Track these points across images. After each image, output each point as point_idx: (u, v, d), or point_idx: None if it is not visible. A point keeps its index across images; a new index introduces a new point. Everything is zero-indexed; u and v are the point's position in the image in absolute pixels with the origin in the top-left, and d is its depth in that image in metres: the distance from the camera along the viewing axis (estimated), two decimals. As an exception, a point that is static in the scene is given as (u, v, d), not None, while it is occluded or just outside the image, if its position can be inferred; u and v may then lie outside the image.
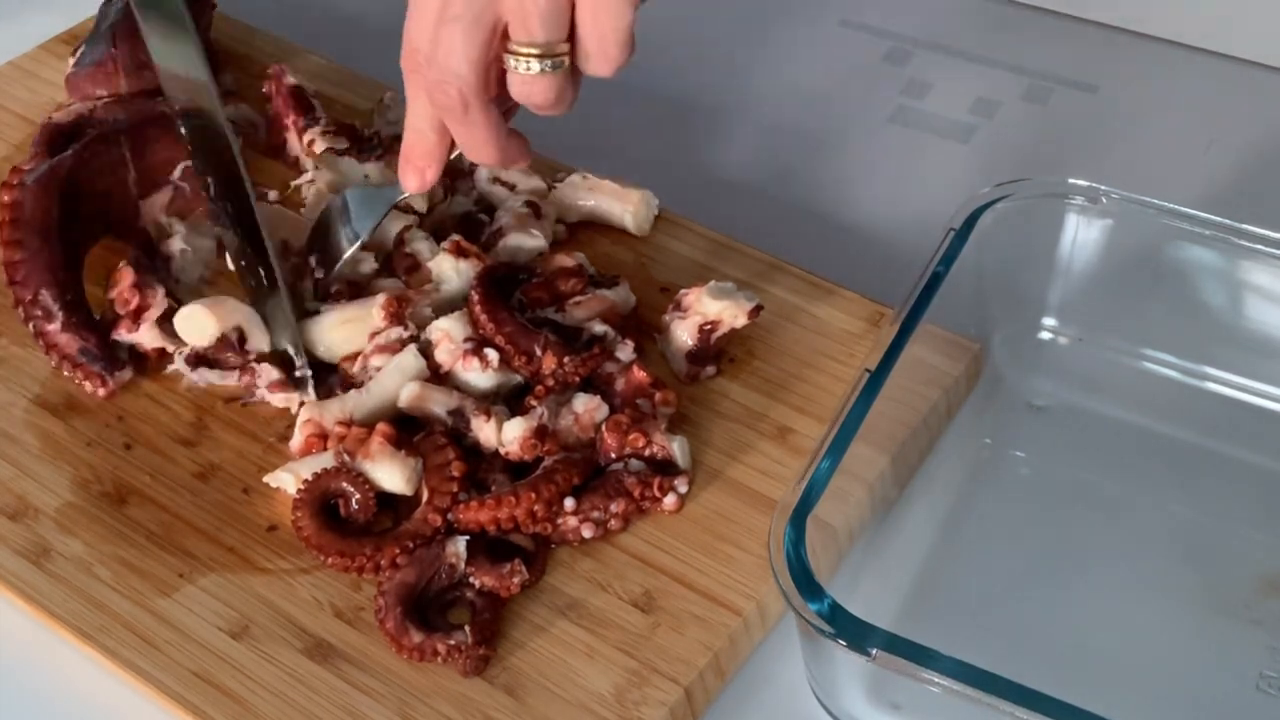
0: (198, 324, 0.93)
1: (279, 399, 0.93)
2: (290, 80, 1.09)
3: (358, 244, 0.94)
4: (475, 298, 0.92)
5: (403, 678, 0.81)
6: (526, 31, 0.77)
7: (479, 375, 0.91)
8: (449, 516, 0.85)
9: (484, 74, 0.79)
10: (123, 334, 0.95)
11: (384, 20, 1.28)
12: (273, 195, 1.04)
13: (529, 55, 0.78)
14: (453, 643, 0.80)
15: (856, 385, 0.81)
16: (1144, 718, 0.77)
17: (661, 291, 0.98)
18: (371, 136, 1.07)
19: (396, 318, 0.93)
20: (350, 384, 0.93)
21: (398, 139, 1.00)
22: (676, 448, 0.88)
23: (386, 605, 0.82)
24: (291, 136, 1.08)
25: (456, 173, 1.04)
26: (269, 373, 0.93)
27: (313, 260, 0.97)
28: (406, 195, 0.92)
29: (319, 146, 1.05)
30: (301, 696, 0.80)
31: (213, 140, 0.95)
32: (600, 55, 0.78)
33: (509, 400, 0.91)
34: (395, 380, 0.91)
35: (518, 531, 0.85)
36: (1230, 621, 0.82)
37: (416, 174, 0.87)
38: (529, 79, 0.79)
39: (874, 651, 0.71)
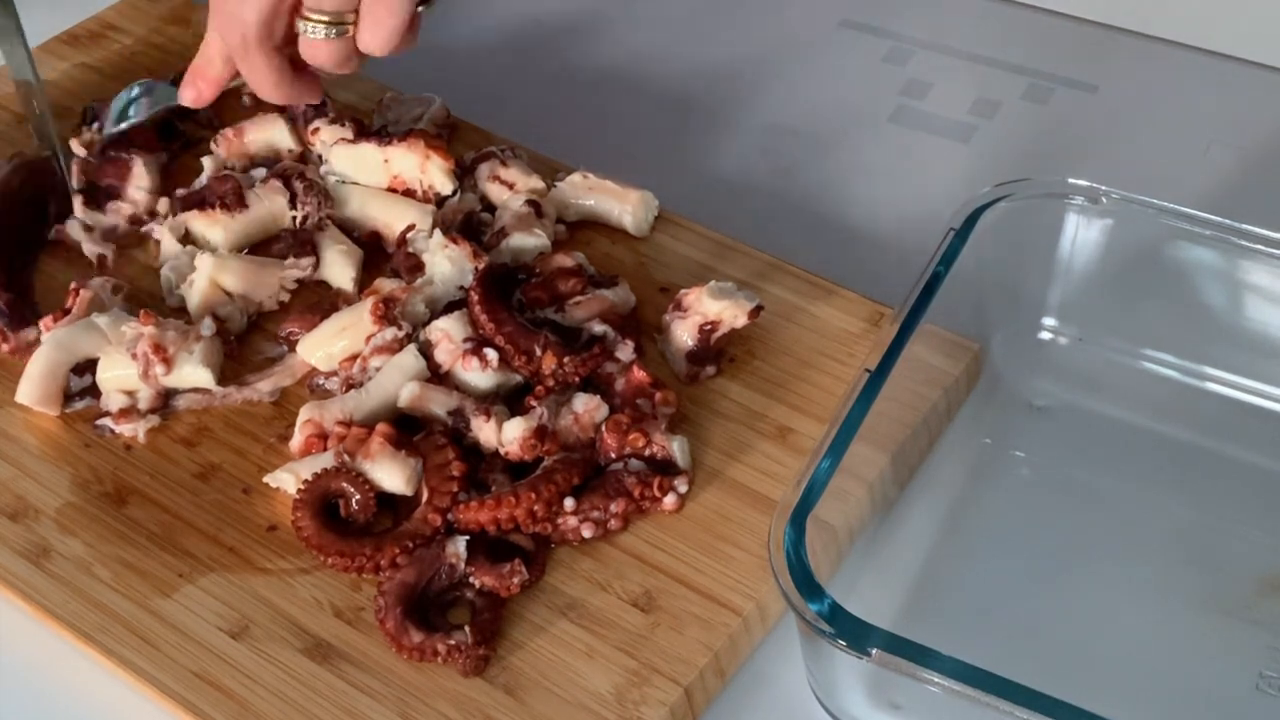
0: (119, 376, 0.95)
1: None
2: None
3: (131, 123, 1.08)
4: (475, 298, 0.92)
5: (403, 678, 0.81)
6: (318, 1, 0.87)
7: (479, 375, 0.91)
8: (449, 516, 0.85)
9: (268, 26, 0.88)
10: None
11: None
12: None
13: (317, 21, 0.87)
14: (453, 643, 0.80)
15: (856, 385, 0.81)
16: (1144, 718, 0.77)
17: (661, 291, 0.98)
18: (380, 129, 1.07)
19: (386, 319, 0.93)
20: (350, 384, 0.93)
21: (409, 133, 1.01)
22: (676, 448, 0.88)
23: (386, 605, 0.82)
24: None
25: (465, 170, 1.04)
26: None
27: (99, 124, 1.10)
28: (181, 103, 0.99)
29: (325, 136, 1.05)
30: (301, 696, 0.80)
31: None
32: (373, 36, 0.88)
33: (509, 400, 0.91)
34: (395, 380, 0.91)
35: (518, 531, 0.85)
36: (1230, 621, 0.82)
37: (195, 91, 0.96)
38: (315, 42, 0.88)
39: (874, 651, 0.71)
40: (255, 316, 0.99)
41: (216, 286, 0.97)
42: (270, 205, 1.01)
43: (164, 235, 1.02)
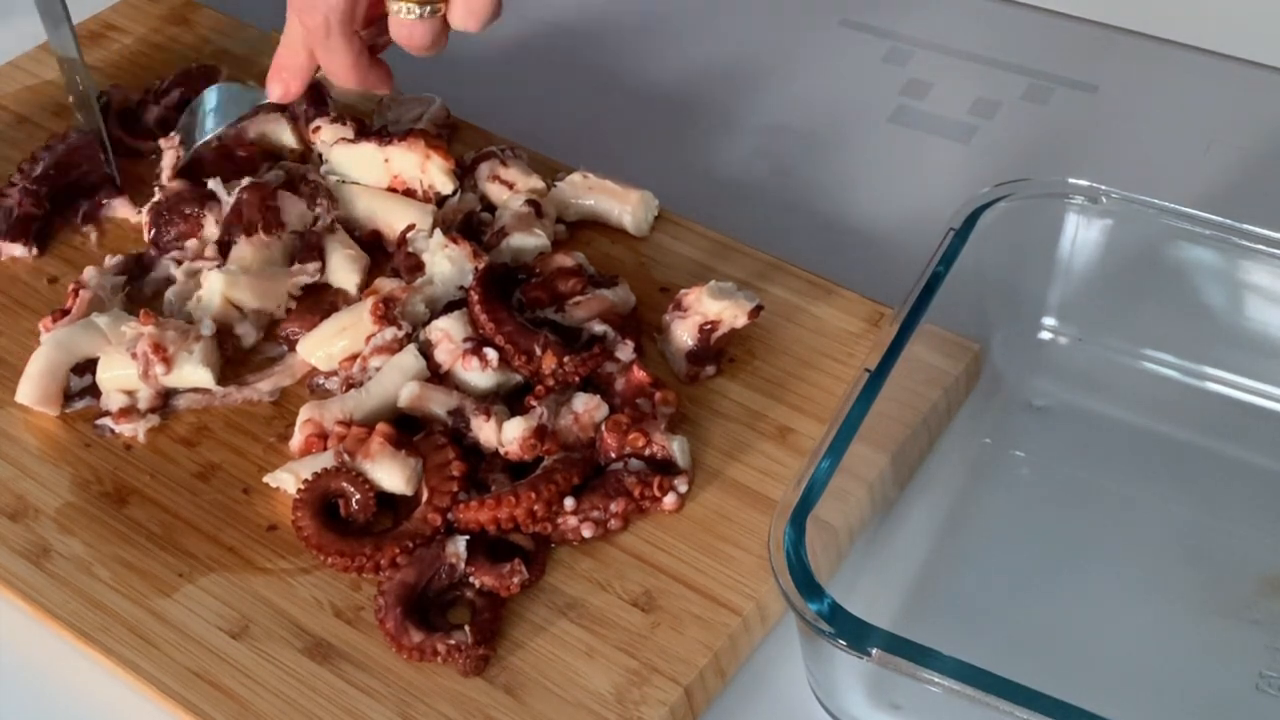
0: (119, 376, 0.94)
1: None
2: None
3: (213, 133, 1.03)
4: (475, 298, 0.92)
5: (403, 678, 0.81)
6: None
7: (479, 375, 0.91)
8: (449, 516, 0.85)
9: (353, 6, 0.87)
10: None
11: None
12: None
13: (409, 1, 0.86)
14: (453, 643, 0.80)
15: (856, 385, 0.81)
16: (1144, 718, 0.77)
17: (661, 291, 0.98)
18: (380, 129, 1.07)
19: (386, 319, 0.93)
20: (350, 384, 0.93)
21: (409, 133, 1.02)
22: (676, 447, 0.88)
23: (386, 605, 0.82)
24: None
25: (466, 170, 1.04)
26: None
27: (177, 139, 1.05)
28: (269, 100, 0.97)
29: (326, 135, 1.05)
30: (301, 696, 0.80)
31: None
32: (467, 12, 0.87)
33: (509, 400, 0.91)
34: (395, 380, 0.91)
35: (518, 531, 0.85)
36: (1230, 621, 0.82)
37: (282, 85, 0.94)
38: (407, 22, 0.87)
39: (873, 651, 0.71)
40: (267, 326, 0.99)
41: (229, 303, 0.97)
42: (302, 216, 1.01)
43: (178, 273, 1.00)
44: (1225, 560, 0.85)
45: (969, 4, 1.25)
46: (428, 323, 0.94)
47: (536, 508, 0.84)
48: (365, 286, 0.99)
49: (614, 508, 0.85)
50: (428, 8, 0.86)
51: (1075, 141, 1.12)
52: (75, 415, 0.95)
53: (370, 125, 1.08)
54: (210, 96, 1.03)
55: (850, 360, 0.93)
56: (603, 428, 0.88)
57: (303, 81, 0.94)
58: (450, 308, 0.95)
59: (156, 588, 0.85)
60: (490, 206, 1.03)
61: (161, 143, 1.07)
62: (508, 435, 0.87)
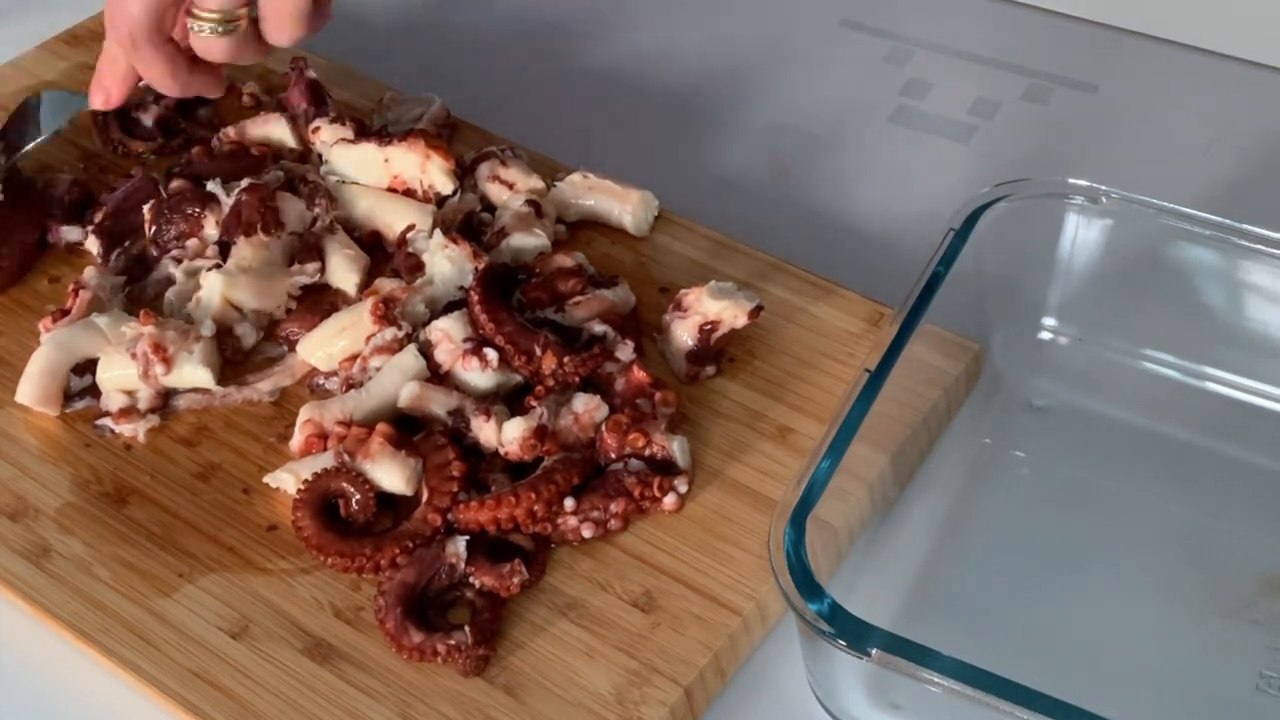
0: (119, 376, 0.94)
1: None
2: (310, 74, 1.11)
3: (37, 141, 1.04)
4: (475, 298, 0.92)
5: (403, 678, 0.81)
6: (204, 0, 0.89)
7: (479, 375, 0.91)
8: (449, 516, 0.85)
9: (157, 19, 0.89)
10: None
11: (385, 22, 1.29)
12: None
13: (207, 19, 0.89)
14: (453, 643, 0.80)
15: (856, 385, 0.81)
16: (1144, 718, 0.77)
17: (661, 291, 0.98)
18: (380, 129, 1.07)
19: (386, 319, 0.93)
20: (350, 384, 0.93)
21: (409, 133, 1.02)
22: (676, 448, 0.88)
23: (386, 605, 0.82)
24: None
25: (466, 170, 1.04)
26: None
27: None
28: (92, 108, 1.00)
29: (325, 135, 1.05)
30: (301, 696, 0.80)
31: None
32: (276, 26, 0.90)
33: (509, 400, 0.91)
34: (395, 380, 0.91)
35: (518, 531, 0.85)
36: (1230, 621, 0.82)
37: (103, 93, 0.98)
38: (206, 39, 0.90)
39: (873, 651, 0.71)
40: (267, 326, 0.99)
41: (228, 303, 0.97)
42: (301, 216, 1.01)
43: (178, 273, 1.00)
44: (1225, 560, 0.85)
45: (969, 4, 1.25)
46: (428, 323, 0.94)
47: (536, 508, 0.84)
48: (365, 287, 0.99)
49: (614, 508, 0.85)
50: (222, 26, 0.88)
51: (1075, 141, 1.12)
52: (75, 415, 0.95)
53: (370, 125, 1.08)
54: (35, 103, 1.05)
55: (850, 360, 0.93)
56: (603, 428, 0.88)
57: (123, 90, 0.96)
58: (450, 308, 0.95)
59: (156, 588, 0.85)
60: (490, 206, 1.03)
61: None
62: (508, 435, 0.87)
